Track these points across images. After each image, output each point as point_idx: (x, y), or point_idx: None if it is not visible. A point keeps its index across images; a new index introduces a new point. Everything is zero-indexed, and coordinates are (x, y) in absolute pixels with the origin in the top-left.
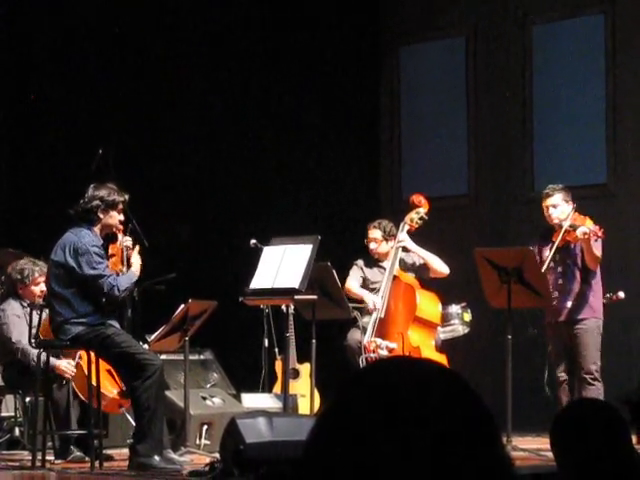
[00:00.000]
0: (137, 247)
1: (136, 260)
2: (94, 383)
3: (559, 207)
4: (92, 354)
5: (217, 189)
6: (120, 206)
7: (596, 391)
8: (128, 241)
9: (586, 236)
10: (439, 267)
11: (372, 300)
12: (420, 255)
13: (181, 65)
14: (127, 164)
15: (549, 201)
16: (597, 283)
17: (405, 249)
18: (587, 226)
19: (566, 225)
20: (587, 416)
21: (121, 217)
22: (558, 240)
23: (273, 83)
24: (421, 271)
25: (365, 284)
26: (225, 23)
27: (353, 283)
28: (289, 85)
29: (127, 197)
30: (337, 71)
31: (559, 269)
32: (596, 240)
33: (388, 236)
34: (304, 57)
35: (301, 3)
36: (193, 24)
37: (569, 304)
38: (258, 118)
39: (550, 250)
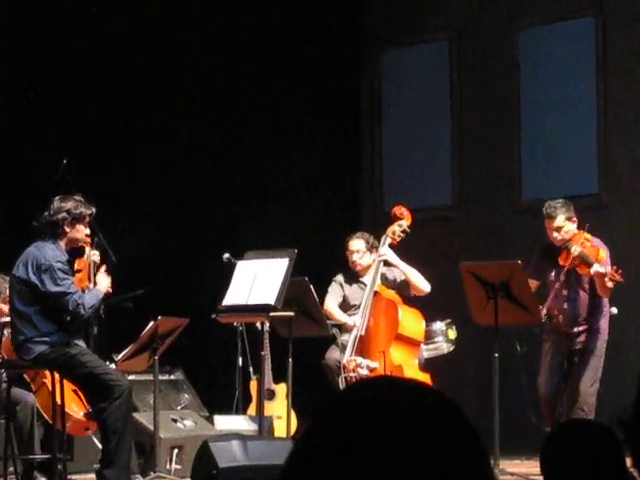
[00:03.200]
0: (103, 267)
1: (102, 280)
2: (59, 404)
3: (564, 228)
4: (56, 375)
5: (188, 200)
6: (87, 219)
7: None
8: (95, 255)
9: (602, 279)
10: (420, 284)
11: (352, 319)
12: (401, 270)
13: (151, 72)
14: (93, 175)
15: (551, 224)
16: (605, 304)
17: (387, 263)
18: (603, 267)
19: (575, 251)
20: (579, 437)
21: (87, 231)
22: (564, 262)
23: (248, 90)
24: (402, 288)
25: (345, 302)
26: (197, 25)
27: (332, 305)
28: (264, 91)
29: (94, 210)
30: (315, 77)
31: (564, 292)
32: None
33: (371, 247)
34: (279, 62)
35: (277, 5)
36: (162, 30)
37: (575, 330)
38: (231, 127)
39: (562, 275)
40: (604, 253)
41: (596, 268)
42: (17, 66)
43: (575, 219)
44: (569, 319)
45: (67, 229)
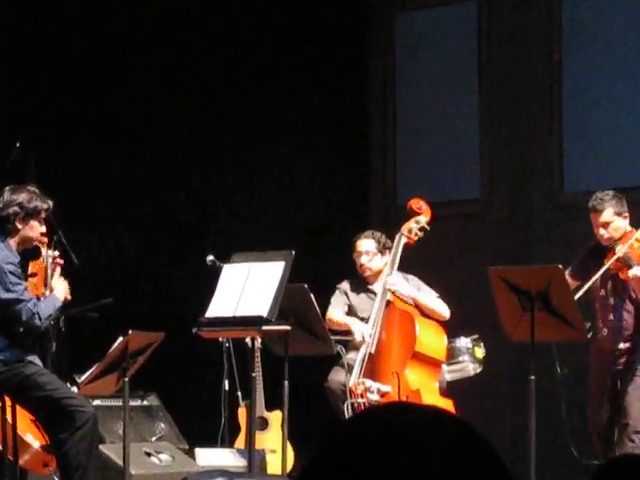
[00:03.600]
0: (58, 270)
1: (59, 285)
2: (11, 433)
3: (612, 224)
4: (7, 399)
5: (166, 193)
6: (42, 214)
7: (637, 449)
8: (53, 257)
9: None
10: (437, 311)
11: (360, 331)
12: (415, 300)
13: (125, 46)
14: (52, 162)
15: (598, 218)
16: None
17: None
18: None
19: (621, 251)
20: (632, 475)
21: (43, 228)
22: (609, 263)
23: (235, 67)
24: (419, 307)
25: (352, 313)
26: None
27: (336, 311)
28: (256, 67)
29: (51, 204)
30: (317, 49)
31: (610, 301)
32: None
33: (383, 248)
34: (279, 39)
35: None
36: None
37: (621, 346)
38: (216, 107)
39: (609, 280)
40: None
41: (635, 271)
42: None
43: (627, 215)
44: (614, 333)
45: (19, 226)
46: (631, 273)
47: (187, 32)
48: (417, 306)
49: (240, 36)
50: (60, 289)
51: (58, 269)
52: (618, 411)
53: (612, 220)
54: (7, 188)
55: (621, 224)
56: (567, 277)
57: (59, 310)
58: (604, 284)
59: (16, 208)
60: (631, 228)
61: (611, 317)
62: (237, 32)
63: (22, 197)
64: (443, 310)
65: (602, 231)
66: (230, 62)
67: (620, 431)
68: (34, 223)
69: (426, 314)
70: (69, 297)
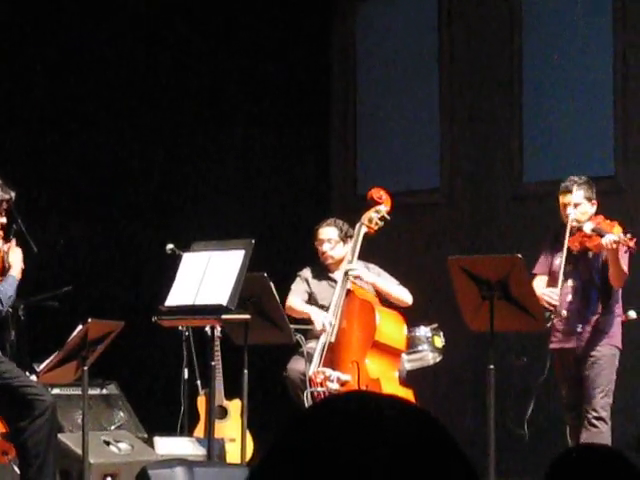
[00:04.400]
0: (13, 242)
1: (15, 256)
2: None
3: (580, 206)
4: None
5: (125, 180)
6: (4, 206)
7: (599, 435)
8: (7, 246)
9: (615, 245)
10: (401, 297)
11: (321, 319)
12: (376, 286)
13: (83, 31)
14: (10, 149)
15: (569, 198)
16: (617, 305)
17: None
18: (616, 234)
19: (588, 229)
20: (589, 466)
21: (3, 219)
22: (572, 244)
23: (194, 52)
24: (379, 294)
25: (311, 301)
26: None
27: (295, 299)
28: (215, 54)
29: (13, 195)
30: (278, 38)
31: (570, 283)
32: (625, 252)
33: (345, 237)
34: (237, 20)
35: None
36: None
37: (580, 328)
38: (174, 95)
39: (569, 261)
40: (619, 228)
41: (609, 237)
42: None
43: (595, 202)
44: (573, 315)
45: None
46: (605, 240)
47: (144, 14)
48: (378, 294)
49: (198, 20)
50: (17, 261)
51: (13, 242)
52: (581, 397)
53: (581, 202)
54: None
55: (589, 209)
56: (542, 278)
57: (18, 295)
58: (564, 266)
59: None
60: (596, 215)
61: (570, 299)
62: (194, 16)
63: None
64: (404, 296)
65: (570, 210)
66: (190, 47)
67: (583, 417)
68: None
69: (387, 303)
70: (20, 270)
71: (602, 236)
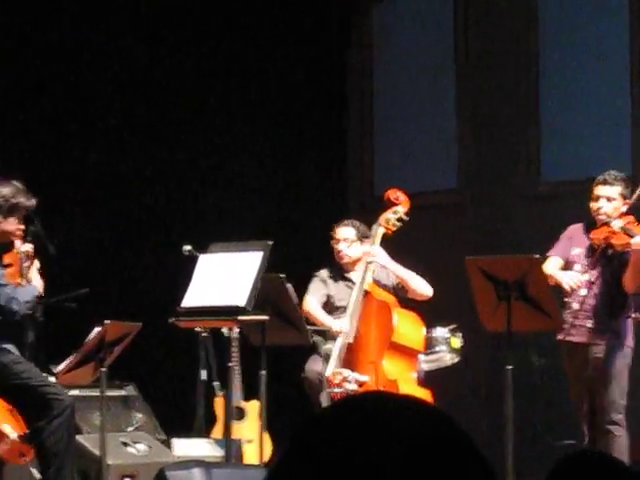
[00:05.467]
0: (35, 264)
1: (35, 278)
2: None
3: (614, 202)
4: None
5: (142, 182)
6: (24, 212)
7: (616, 441)
8: (27, 247)
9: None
10: (420, 288)
11: (337, 323)
12: (396, 274)
13: (100, 34)
14: (28, 152)
15: (604, 191)
16: (630, 305)
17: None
18: None
19: (617, 226)
20: (588, 473)
21: (21, 225)
22: (596, 238)
23: (213, 50)
24: (400, 291)
25: (330, 303)
26: None
27: (313, 303)
28: (233, 50)
29: (35, 202)
30: (294, 35)
31: (586, 277)
32: None
33: (362, 237)
34: (254, 18)
35: None
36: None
37: (590, 324)
38: (191, 91)
39: (589, 254)
40: None
41: (638, 240)
42: None
43: (629, 202)
44: (585, 309)
45: None
46: (634, 241)
47: (154, 12)
48: (396, 293)
49: (215, 20)
50: (39, 281)
51: (36, 263)
52: (594, 400)
53: (616, 198)
54: None
55: (620, 206)
56: (557, 259)
57: (36, 300)
58: (583, 259)
59: (0, 201)
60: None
61: (583, 292)
62: (214, 15)
63: (6, 191)
64: (425, 287)
65: (603, 203)
66: (208, 47)
67: (597, 421)
68: (13, 219)
69: (405, 302)
70: (41, 291)
71: (632, 236)
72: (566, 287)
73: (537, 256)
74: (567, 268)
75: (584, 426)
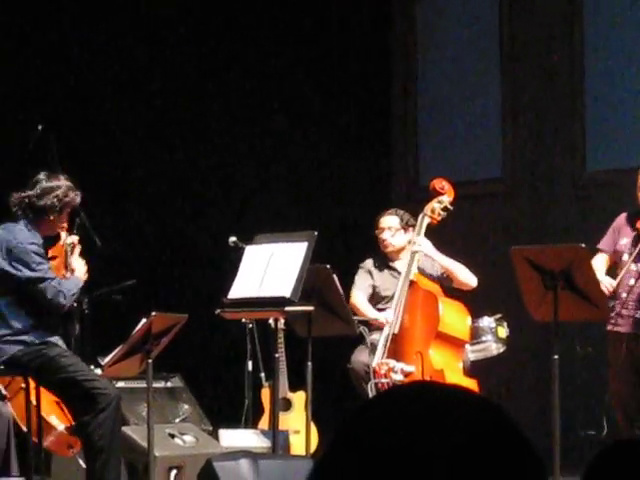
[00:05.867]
0: (77, 249)
1: (78, 264)
2: (36, 416)
3: None
4: (31, 381)
5: (188, 175)
6: (73, 208)
7: None
8: (72, 239)
9: None
10: (465, 278)
11: (383, 315)
12: (441, 264)
13: (147, 29)
14: (73, 144)
15: None
16: None
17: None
18: None
19: None
20: (631, 465)
21: (67, 219)
22: None
23: (258, 47)
24: (444, 280)
25: (376, 293)
26: None
27: (360, 297)
28: (277, 44)
29: (80, 196)
30: (337, 31)
31: (632, 267)
32: None
33: (406, 225)
34: (296, 18)
35: None
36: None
37: (638, 314)
38: (235, 83)
39: (635, 241)
40: None
41: None
42: None
43: None
44: (633, 300)
45: (51, 218)
46: None
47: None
48: (441, 283)
49: (257, 16)
50: (81, 268)
51: (77, 249)
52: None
53: None
54: (42, 176)
55: None
56: (603, 255)
57: (82, 291)
58: (630, 248)
59: (54, 200)
60: None
61: (632, 282)
62: (254, 11)
63: (60, 190)
64: (470, 277)
65: None
66: (251, 40)
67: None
68: (64, 216)
69: (450, 292)
70: (86, 276)
71: None
72: (604, 290)
73: (583, 245)
74: (615, 259)
75: (619, 418)
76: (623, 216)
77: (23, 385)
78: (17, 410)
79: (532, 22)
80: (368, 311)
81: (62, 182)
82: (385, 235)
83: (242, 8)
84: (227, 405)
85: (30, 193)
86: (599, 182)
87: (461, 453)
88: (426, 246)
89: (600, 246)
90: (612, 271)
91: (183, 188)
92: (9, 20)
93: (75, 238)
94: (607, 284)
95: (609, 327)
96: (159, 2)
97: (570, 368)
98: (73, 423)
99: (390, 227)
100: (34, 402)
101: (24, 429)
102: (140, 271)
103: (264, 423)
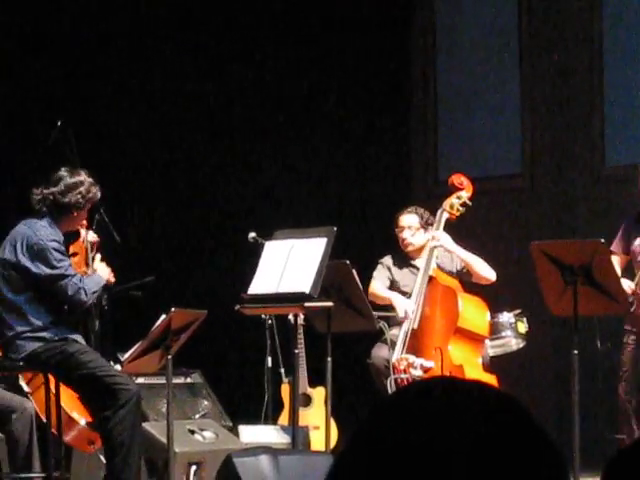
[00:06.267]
0: (98, 256)
1: (102, 268)
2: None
3: None
4: (51, 377)
5: (206, 169)
6: (94, 203)
7: None
8: (92, 236)
9: None
10: (484, 272)
11: (403, 307)
12: (460, 257)
13: (163, 22)
14: (92, 140)
15: None
16: None
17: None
18: None
19: None
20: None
21: (84, 221)
22: None
23: (278, 42)
24: (464, 275)
25: (394, 288)
26: None
27: (378, 285)
28: (296, 44)
29: (100, 190)
30: (357, 26)
31: None
32: None
33: (426, 224)
34: (317, 11)
35: None
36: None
37: None
38: (254, 83)
39: None
40: None
41: None
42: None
43: None
44: None
45: (74, 214)
46: None
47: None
48: (460, 278)
49: (285, 8)
50: (104, 271)
51: (98, 255)
52: None
53: None
54: (64, 172)
55: None
56: (616, 257)
57: (103, 290)
58: None
59: (79, 197)
60: None
61: None
62: (280, 9)
63: (84, 187)
64: (488, 271)
65: None
66: (273, 36)
67: None
68: (85, 212)
69: (469, 287)
70: (112, 280)
71: None
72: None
73: (602, 240)
74: (631, 260)
75: (632, 422)
76: (631, 217)
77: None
78: (39, 405)
79: (552, 16)
80: (386, 293)
81: (84, 178)
82: (405, 234)
83: (267, 6)
84: (247, 401)
85: (54, 190)
86: (619, 177)
87: (481, 449)
88: (445, 240)
89: (612, 248)
90: (625, 272)
91: (203, 183)
92: (27, 19)
93: (95, 235)
94: (626, 287)
95: (627, 326)
96: None
97: (590, 364)
98: (93, 419)
99: (410, 226)
100: (54, 398)
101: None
102: (159, 267)
103: (284, 419)
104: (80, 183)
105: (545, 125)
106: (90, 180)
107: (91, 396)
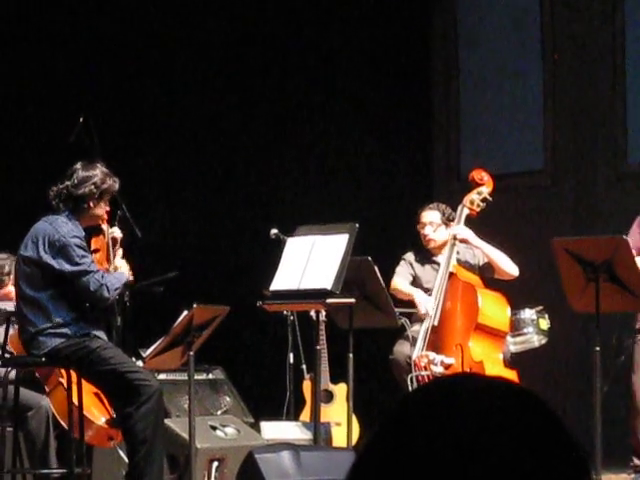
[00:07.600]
0: (120, 251)
1: (122, 265)
2: (76, 410)
3: None
4: (73, 373)
5: (228, 166)
6: (111, 196)
7: None
8: (114, 232)
9: None
10: (506, 267)
11: (424, 303)
12: (483, 251)
13: (184, 17)
14: (115, 136)
15: None
16: None
17: (463, 242)
18: None
19: None
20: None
21: (108, 207)
22: None
23: (298, 38)
24: (485, 271)
25: (415, 284)
26: None
27: (400, 280)
28: (319, 38)
29: (118, 182)
30: (378, 19)
31: None
32: None
33: (447, 220)
34: (338, 5)
35: None
36: None
37: None
38: (277, 80)
39: None
40: None
41: None
42: (22, 10)
43: None
44: None
45: (91, 205)
46: None
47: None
48: (481, 273)
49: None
50: (125, 268)
51: (120, 251)
52: None
53: None
54: (78, 165)
55: None
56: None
57: (124, 287)
58: None
59: (92, 188)
60: None
61: None
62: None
63: (97, 178)
64: (511, 266)
65: None
66: (295, 31)
67: None
68: (103, 203)
69: (491, 283)
70: (131, 278)
71: None
72: None
73: (624, 237)
74: None
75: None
76: None
77: (61, 379)
78: (55, 403)
79: (574, 15)
80: (408, 289)
81: (98, 170)
82: (427, 230)
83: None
84: (269, 397)
85: (68, 183)
86: None
87: (503, 445)
88: (467, 233)
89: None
90: None
91: (225, 180)
92: (47, 14)
93: (117, 231)
94: None
95: (639, 325)
96: None
97: (612, 360)
98: (113, 415)
99: (432, 222)
100: (76, 394)
101: (62, 423)
102: (182, 263)
103: (305, 415)
104: (93, 175)
105: (567, 122)
106: (105, 171)
107: (113, 392)
